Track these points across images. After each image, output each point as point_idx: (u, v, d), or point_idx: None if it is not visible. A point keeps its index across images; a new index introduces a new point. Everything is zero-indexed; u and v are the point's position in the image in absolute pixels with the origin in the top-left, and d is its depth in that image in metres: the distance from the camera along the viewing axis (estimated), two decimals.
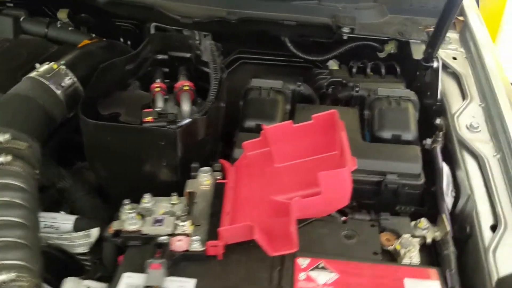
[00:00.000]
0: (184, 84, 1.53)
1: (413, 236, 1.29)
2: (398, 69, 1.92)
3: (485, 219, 1.24)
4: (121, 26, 2.38)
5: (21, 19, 2.15)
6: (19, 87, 1.49)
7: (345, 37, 1.94)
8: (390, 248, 1.27)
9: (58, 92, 1.53)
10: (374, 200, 1.43)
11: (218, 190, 1.30)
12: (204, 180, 1.34)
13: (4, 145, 1.28)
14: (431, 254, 1.28)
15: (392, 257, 1.26)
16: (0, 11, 2.22)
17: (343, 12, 1.95)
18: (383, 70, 1.91)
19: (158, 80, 1.58)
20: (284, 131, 1.28)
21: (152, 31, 2.27)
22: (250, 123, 1.53)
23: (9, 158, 1.24)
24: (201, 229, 1.21)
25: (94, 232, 1.37)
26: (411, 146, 1.47)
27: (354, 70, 1.92)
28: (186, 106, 1.50)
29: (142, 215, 1.28)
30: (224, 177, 1.35)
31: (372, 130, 1.55)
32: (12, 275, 1.02)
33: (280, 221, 1.12)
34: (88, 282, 1.18)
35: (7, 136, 1.29)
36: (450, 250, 1.20)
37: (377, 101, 1.62)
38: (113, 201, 1.34)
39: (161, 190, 1.34)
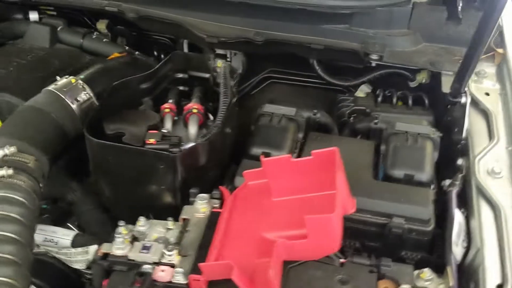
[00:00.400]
0: (193, 106, 1.51)
1: (414, 287, 1.20)
2: (426, 101, 1.82)
3: (492, 277, 1.14)
4: (157, 40, 2.41)
5: (59, 28, 2.21)
6: (35, 99, 1.53)
7: (373, 64, 1.86)
8: None
9: (74, 106, 1.55)
10: (378, 243, 1.35)
11: (212, 220, 1.28)
12: (200, 207, 1.32)
13: (8, 158, 1.31)
14: None
15: None
16: (40, 19, 2.30)
17: (373, 38, 1.87)
18: (410, 101, 1.82)
19: (170, 101, 1.58)
20: (282, 165, 1.23)
21: (185, 47, 2.30)
22: (256, 151, 1.49)
23: (10, 171, 1.26)
24: (187, 260, 1.18)
25: (92, 249, 1.38)
26: (423, 188, 1.38)
27: (379, 99, 1.84)
28: (193, 129, 1.48)
29: (136, 238, 1.27)
30: (221, 206, 1.32)
31: (385, 167, 1.46)
32: None
33: (262, 263, 1.07)
34: None
35: (12, 149, 1.31)
36: None
37: (393, 136, 1.53)
38: (118, 219, 1.33)
39: (162, 213, 1.33)
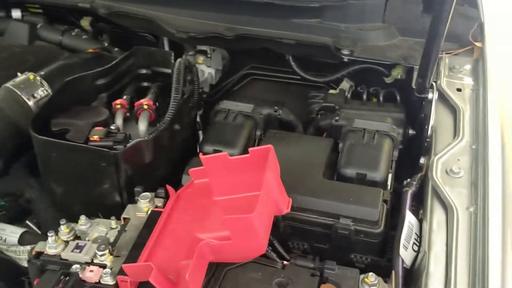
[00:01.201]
0: (144, 103, 1.48)
1: None
2: (398, 97, 1.74)
3: (434, 283, 1.08)
4: (140, 36, 2.39)
5: (38, 26, 2.21)
6: None
7: (345, 59, 1.80)
8: None
9: (30, 103, 1.54)
10: (327, 245, 1.30)
11: (151, 219, 1.24)
12: (142, 206, 1.29)
13: None
14: None
15: None
16: (22, 17, 2.31)
17: (345, 32, 1.81)
18: (381, 97, 1.75)
19: (124, 97, 1.55)
20: (221, 163, 1.19)
21: (166, 43, 2.27)
22: (208, 148, 1.45)
23: None
24: (119, 261, 1.15)
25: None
26: (373, 188, 1.32)
27: (348, 95, 1.77)
28: (142, 126, 1.45)
29: (78, 237, 1.25)
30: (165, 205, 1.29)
31: (338, 165, 1.40)
32: None
33: (188, 264, 1.03)
34: None
35: None
36: None
37: (350, 133, 1.47)
38: (71, 217, 1.31)
39: (111, 212, 1.31)
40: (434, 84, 1.55)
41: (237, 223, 0.99)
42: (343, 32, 1.81)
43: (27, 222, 1.59)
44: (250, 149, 1.16)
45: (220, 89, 2.32)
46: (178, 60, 1.64)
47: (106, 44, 2.22)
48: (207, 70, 2.22)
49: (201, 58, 2.22)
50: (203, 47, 2.19)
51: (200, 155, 1.21)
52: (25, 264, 1.41)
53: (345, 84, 2.04)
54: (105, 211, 1.36)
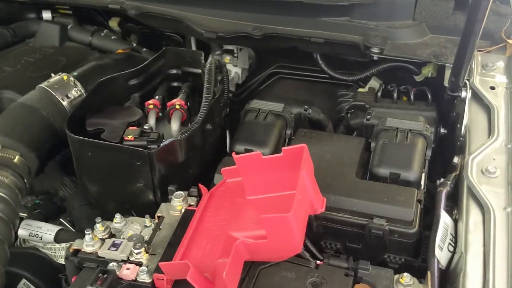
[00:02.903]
0: (176, 103, 1.49)
1: None
2: (429, 96, 1.72)
3: (472, 285, 1.06)
4: (167, 36, 2.42)
5: (69, 27, 2.25)
6: (27, 96, 1.56)
7: (375, 58, 1.79)
8: None
9: (64, 103, 1.58)
10: (360, 245, 1.29)
11: (185, 218, 1.25)
12: (176, 205, 1.30)
13: None
14: None
15: None
16: (53, 18, 2.36)
17: (375, 30, 1.80)
18: (411, 96, 1.73)
19: (157, 97, 1.57)
20: (254, 162, 1.19)
21: (193, 43, 2.29)
22: (239, 147, 1.46)
23: None
24: (155, 259, 1.17)
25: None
26: (408, 188, 1.31)
27: (379, 94, 1.76)
28: (175, 125, 1.47)
29: (113, 235, 1.27)
30: (198, 204, 1.30)
31: (371, 165, 1.40)
32: None
33: (224, 262, 1.04)
34: None
35: None
36: None
37: (383, 132, 1.46)
38: (106, 215, 1.34)
39: (145, 210, 1.32)
40: (467, 82, 1.53)
41: (274, 222, 0.99)
42: (372, 30, 1.80)
43: (61, 220, 1.62)
44: (283, 148, 1.16)
45: (246, 88, 2.32)
46: (209, 60, 1.65)
47: (134, 45, 2.25)
48: (234, 69, 2.23)
49: (227, 58, 2.23)
50: (230, 47, 2.20)
51: (233, 154, 1.22)
52: (60, 261, 1.45)
53: (373, 83, 2.03)
54: (138, 209, 1.38)
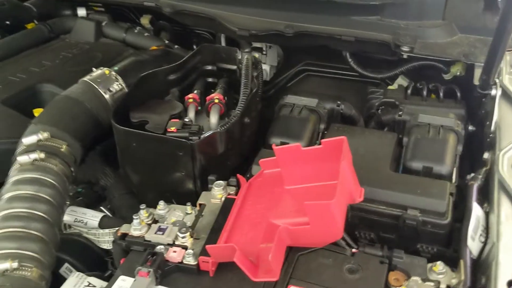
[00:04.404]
0: (215, 97, 1.56)
1: (425, 279, 1.19)
2: (458, 94, 1.76)
3: (504, 273, 1.11)
4: (197, 34, 2.49)
5: (103, 23, 2.33)
6: (71, 89, 1.63)
7: (404, 56, 1.83)
8: None
9: (106, 96, 1.64)
10: (394, 235, 1.34)
11: (226, 206, 1.32)
12: (216, 193, 1.36)
13: (42, 142, 1.41)
14: None
15: None
16: (88, 15, 2.44)
17: (405, 29, 1.84)
18: (441, 93, 1.77)
19: (195, 91, 1.63)
20: (293, 153, 1.25)
21: (223, 40, 2.35)
22: (275, 141, 1.52)
23: (42, 155, 1.36)
24: (199, 243, 1.23)
25: None
26: (440, 181, 1.35)
27: (409, 91, 1.80)
28: (214, 119, 1.53)
29: (156, 221, 1.34)
30: (237, 193, 1.36)
31: (404, 159, 1.44)
32: (18, 264, 1.12)
33: (264, 248, 1.10)
34: (91, 279, 1.26)
35: (45, 135, 1.42)
36: None
37: (415, 128, 1.51)
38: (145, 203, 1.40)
39: (184, 199, 1.39)
40: (497, 80, 1.57)
41: (317, 208, 1.04)
42: (402, 29, 1.84)
43: (101, 208, 1.69)
44: (322, 140, 1.22)
45: (274, 85, 2.38)
46: (246, 56, 1.71)
47: (166, 42, 2.32)
48: (262, 66, 2.28)
49: (256, 55, 2.28)
50: (258, 44, 2.26)
51: (273, 146, 1.28)
52: (103, 246, 1.52)
53: (401, 81, 2.07)
54: (178, 198, 1.44)
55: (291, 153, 1.25)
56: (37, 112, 1.78)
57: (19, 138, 1.44)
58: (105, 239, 1.49)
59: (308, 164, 1.24)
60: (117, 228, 1.41)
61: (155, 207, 1.35)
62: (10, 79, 1.87)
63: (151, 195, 1.50)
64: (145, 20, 2.46)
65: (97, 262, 1.55)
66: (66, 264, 1.55)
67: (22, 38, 2.19)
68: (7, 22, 2.33)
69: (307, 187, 1.23)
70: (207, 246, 1.14)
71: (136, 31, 2.35)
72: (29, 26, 2.42)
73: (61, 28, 2.34)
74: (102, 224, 1.48)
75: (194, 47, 2.41)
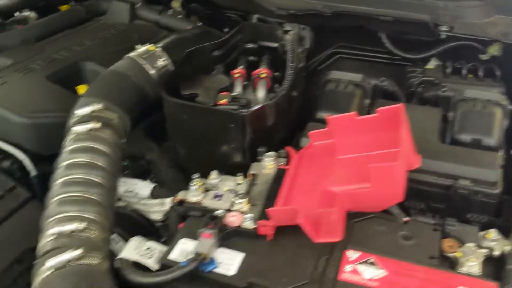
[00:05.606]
0: (261, 71, 1.58)
1: (478, 246, 1.21)
2: (497, 73, 1.78)
3: None
4: (228, 17, 2.51)
5: (137, 5, 2.36)
6: (117, 64, 1.66)
7: (443, 36, 1.85)
8: (451, 255, 1.21)
9: (152, 72, 1.67)
10: (444, 204, 1.36)
11: (279, 175, 1.34)
12: (267, 164, 1.39)
13: (96, 114, 1.44)
14: (498, 268, 1.19)
15: (451, 265, 1.20)
16: None
17: (443, 9, 1.85)
18: (480, 73, 1.79)
19: (240, 67, 1.65)
20: (348, 122, 1.27)
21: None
22: (322, 114, 1.54)
23: (98, 125, 1.39)
24: (256, 209, 1.26)
25: (168, 201, 1.47)
26: (490, 152, 1.38)
27: (448, 70, 1.82)
28: (261, 93, 1.55)
29: (208, 190, 1.37)
30: (287, 164, 1.38)
31: (452, 132, 1.47)
32: (83, 225, 1.16)
33: (326, 211, 1.12)
34: (150, 243, 1.29)
35: (100, 106, 1.45)
36: None
37: (461, 102, 1.53)
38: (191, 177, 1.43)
39: (231, 170, 1.41)
40: None
41: (381, 171, 1.07)
42: (441, 9, 1.86)
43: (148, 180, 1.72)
44: (378, 108, 1.24)
45: (306, 67, 2.39)
46: (290, 32, 1.73)
47: (199, 24, 2.34)
48: None
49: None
50: (289, 27, 2.27)
51: (326, 116, 1.30)
52: (153, 216, 1.54)
53: (433, 63, 2.09)
54: (226, 170, 1.47)
55: (346, 122, 1.27)
56: (80, 88, 1.82)
57: (65, 112, 1.47)
58: (154, 209, 1.51)
59: (363, 133, 1.26)
60: (166, 199, 1.44)
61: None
62: (53, 56, 1.90)
63: (199, 167, 1.52)
64: (176, 3, 2.47)
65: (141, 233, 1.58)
66: (114, 235, 1.59)
67: (61, 18, 2.23)
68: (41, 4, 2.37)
69: (363, 156, 1.25)
70: (268, 209, 1.17)
71: (169, 13, 2.37)
72: (63, 8, 2.46)
73: (96, 10, 2.37)
74: (154, 195, 1.51)
75: (225, 30, 2.44)
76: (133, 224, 1.60)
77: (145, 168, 1.72)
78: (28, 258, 1.32)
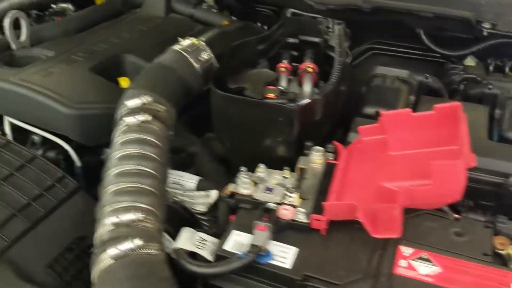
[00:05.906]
0: (307, 65, 1.59)
1: None
2: None
3: None
4: (260, 12, 2.51)
5: None
6: (163, 57, 1.67)
7: (485, 33, 1.84)
8: (503, 252, 1.21)
9: (196, 65, 1.68)
10: (493, 202, 1.36)
11: (328, 170, 1.35)
12: (316, 158, 1.39)
13: (146, 106, 1.45)
14: None
15: (504, 262, 1.20)
16: None
17: (486, 6, 1.84)
18: None
19: (284, 61, 1.66)
20: (402, 119, 1.27)
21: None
22: (369, 110, 1.54)
23: (149, 117, 1.41)
24: (307, 203, 1.26)
25: (214, 193, 1.49)
26: None
27: (491, 67, 1.81)
28: (307, 87, 1.56)
29: (255, 183, 1.37)
30: (335, 159, 1.39)
31: (500, 130, 1.46)
32: (140, 216, 1.17)
33: (385, 207, 1.13)
34: (202, 235, 1.30)
35: (149, 99, 1.46)
36: None
37: (509, 100, 1.53)
38: (234, 170, 1.44)
39: (276, 164, 1.42)
40: None
41: (444, 168, 1.07)
42: (483, 6, 1.85)
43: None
44: (435, 105, 1.24)
45: None
46: (337, 27, 1.73)
47: (234, 19, 2.35)
48: None
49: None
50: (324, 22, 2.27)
51: (381, 112, 1.30)
52: (198, 208, 1.55)
53: (470, 61, 2.07)
54: (271, 164, 1.47)
55: (400, 118, 1.27)
56: (122, 80, 1.84)
57: (110, 104, 1.48)
58: (199, 201, 1.53)
59: (418, 129, 1.26)
60: (212, 192, 1.46)
61: None
62: (93, 49, 1.92)
63: (244, 160, 1.53)
64: None
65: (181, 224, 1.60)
66: None
67: (99, 10, 2.24)
68: None
69: (421, 152, 1.25)
70: (325, 203, 1.18)
71: (204, 7, 2.38)
72: (98, 0, 2.48)
73: (132, 2, 2.38)
74: (199, 187, 1.52)
75: (258, 25, 2.44)
76: (173, 214, 1.62)
77: (186, 161, 1.74)
78: (77, 247, 1.34)
